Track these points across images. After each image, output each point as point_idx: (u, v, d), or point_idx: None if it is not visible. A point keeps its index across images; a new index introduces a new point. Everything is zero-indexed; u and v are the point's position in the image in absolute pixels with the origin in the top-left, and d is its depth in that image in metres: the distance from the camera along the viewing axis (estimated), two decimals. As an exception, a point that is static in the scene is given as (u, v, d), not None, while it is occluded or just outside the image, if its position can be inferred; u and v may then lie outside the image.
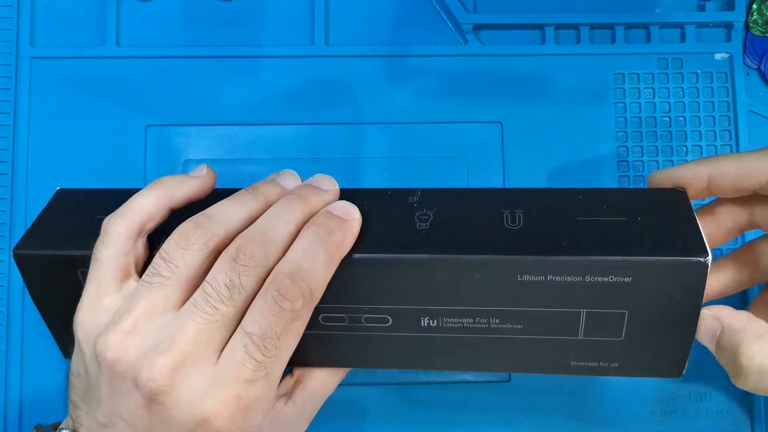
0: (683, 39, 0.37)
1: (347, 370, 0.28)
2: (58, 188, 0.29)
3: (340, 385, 0.33)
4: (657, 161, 0.36)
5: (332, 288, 0.24)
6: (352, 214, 0.25)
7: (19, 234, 0.34)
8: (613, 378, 0.34)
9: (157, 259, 0.23)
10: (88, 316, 0.24)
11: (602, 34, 0.37)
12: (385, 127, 0.36)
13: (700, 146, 0.36)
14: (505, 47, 0.36)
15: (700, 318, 0.25)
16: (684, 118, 0.36)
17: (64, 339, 0.28)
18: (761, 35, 0.36)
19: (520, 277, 0.24)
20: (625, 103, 0.36)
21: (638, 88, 0.36)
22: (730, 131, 0.36)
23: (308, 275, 0.23)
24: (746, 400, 0.34)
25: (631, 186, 0.35)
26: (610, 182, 0.35)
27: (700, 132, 0.36)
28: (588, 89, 0.36)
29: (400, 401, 0.34)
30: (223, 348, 0.23)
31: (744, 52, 0.36)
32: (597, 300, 0.24)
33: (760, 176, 0.25)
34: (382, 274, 0.24)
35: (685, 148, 0.36)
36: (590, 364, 0.26)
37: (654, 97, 0.36)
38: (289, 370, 0.27)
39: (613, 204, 0.25)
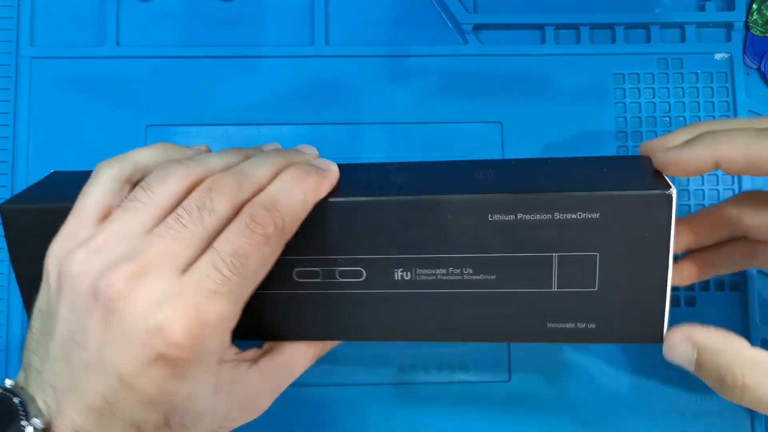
0: (683, 39, 0.37)
1: (318, 352, 0.28)
2: (52, 171, 0.29)
3: (340, 385, 0.34)
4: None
5: (307, 237, 0.24)
6: (330, 166, 0.26)
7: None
8: (613, 377, 0.34)
9: (136, 188, 0.24)
10: (60, 245, 0.23)
11: (602, 34, 0.37)
12: (385, 127, 0.36)
13: (700, 146, 0.36)
14: (505, 47, 0.36)
15: (671, 343, 0.25)
16: (684, 118, 0.36)
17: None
18: (761, 35, 0.36)
19: (491, 217, 0.24)
20: (625, 103, 0.36)
21: (638, 88, 0.36)
22: (730, 131, 0.36)
23: (282, 207, 0.23)
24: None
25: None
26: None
27: (700, 132, 0.36)
28: (588, 89, 0.36)
29: (400, 401, 0.34)
30: (190, 267, 0.23)
31: (744, 52, 0.36)
32: (568, 241, 0.24)
33: None
34: (355, 219, 0.25)
35: (685, 148, 0.36)
36: (566, 325, 0.25)
37: (654, 97, 0.36)
38: (259, 345, 0.27)
39: (580, 163, 0.26)
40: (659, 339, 0.25)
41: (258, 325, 0.26)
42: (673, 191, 0.24)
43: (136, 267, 0.22)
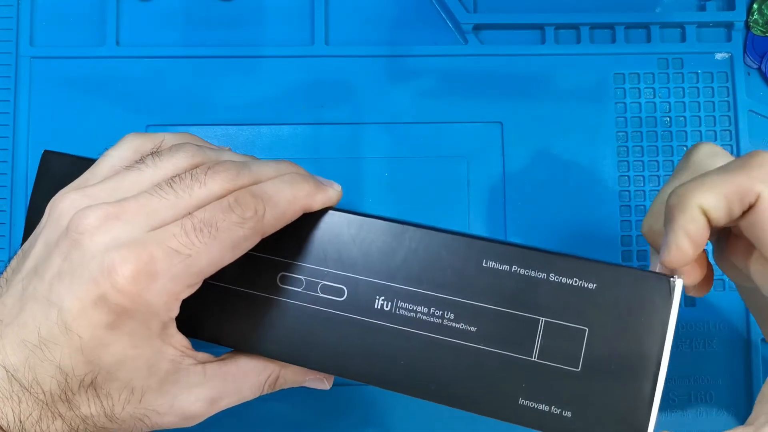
0: (683, 39, 0.37)
1: (271, 381, 0.26)
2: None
3: (339, 385, 0.34)
4: (657, 161, 0.36)
5: (297, 243, 0.25)
6: (332, 184, 0.26)
7: (19, 234, 0.34)
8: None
9: (147, 155, 0.25)
10: (63, 191, 0.24)
11: (602, 33, 0.37)
12: (385, 127, 0.35)
13: (701, 146, 0.36)
14: (505, 47, 0.36)
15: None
16: (684, 118, 0.36)
17: None
18: (762, 35, 0.36)
19: (486, 263, 0.24)
20: (625, 103, 0.36)
21: (638, 88, 0.36)
22: (730, 131, 0.36)
23: (268, 199, 0.24)
24: (747, 400, 0.34)
25: (631, 185, 0.35)
26: (610, 182, 0.35)
27: (700, 132, 0.36)
28: (588, 89, 0.36)
29: (400, 401, 0.34)
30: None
31: (744, 51, 0.36)
32: (558, 308, 0.23)
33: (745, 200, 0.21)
34: (349, 234, 0.25)
35: (685, 148, 0.36)
36: (540, 406, 0.23)
37: (654, 96, 0.36)
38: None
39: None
40: None
41: (225, 325, 0.26)
42: (679, 282, 0.22)
43: (113, 210, 0.22)
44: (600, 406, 0.23)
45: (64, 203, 0.23)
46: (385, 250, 0.25)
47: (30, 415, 0.21)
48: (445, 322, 0.24)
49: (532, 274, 0.23)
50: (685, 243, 0.22)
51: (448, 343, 0.24)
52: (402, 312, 0.24)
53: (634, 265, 0.23)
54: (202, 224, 0.22)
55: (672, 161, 0.36)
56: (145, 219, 0.22)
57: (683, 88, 0.36)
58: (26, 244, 0.24)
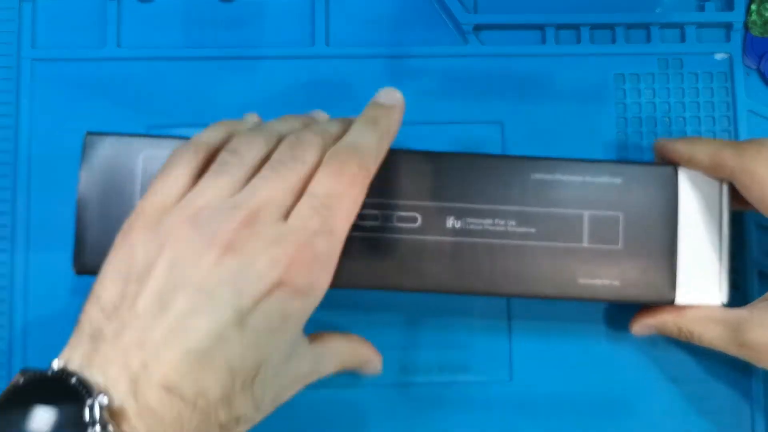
0: (683, 39, 0.37)
1: (344, 359, 0.28)
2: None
3: (339, 385, 0.34)
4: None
5: (372, 183, 0.27)
6: (396, 98, 0.29)
7: (21, 236, 0.34)
8: (613, 377, 0.34)
9: (221, 154, 0.25)
10: (151, 206, 0.24)
11: (603, 34, 0.37)
12: (386, 127, 0.36)
13: (701, 146, 0.36)
14: (506, 47, 0.36)
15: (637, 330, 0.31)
16: (684, 118, 0.36)
17: (89, 246, 0.28)
18: (760, 35, 0.36)
19: (533, 175, 0.29)
20: (625, 104, 0.36)
21: (638, 89, 0.36)
22: (730, 131, 0.36)
23: (363, 149, 0.25)
24: (747, 400, 0.34)
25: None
26: (610, 182, 0.35)
27: (700, 132, 0.36)
28: (588, 89, 0.36)
29: (400, 401, 0.34)
30: (291, 212, 0.24)
31: (743, 52, 0.36)
32: (596, 201, 0.29)
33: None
34: (418, 168, 0.29)
35: (685, 148, 0.36)
36: (595, 281, 0.29)
37: (654, 97, 0.36)
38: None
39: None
40: (671, 300, 0.29)
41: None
42: (682, 169, 0.29)
43: (246, 213, 0.23)
44: (640, 275, 0.29)
45: (183, 226, 0.23)
46: (447, 178, 0.29)
47: None
48: (509, 228, 0.29)
49: (572, 178, 0.29)
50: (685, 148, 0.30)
51: (514, 245, 0.29)
52: (471, 227, 0.29)
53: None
54: (325, 198, 0.24)
55: (672, 161, 0.36)
56: (276, 211, 0.24)
57: (683, 89, 0.36)
58: (124, 267, 0.23)
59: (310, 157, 0.25)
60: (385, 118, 0.27)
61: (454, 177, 0.29)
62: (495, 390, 0.34)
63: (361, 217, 0.28)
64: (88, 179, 0.28)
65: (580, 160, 0.29)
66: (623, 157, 0.36)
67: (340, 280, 0.27)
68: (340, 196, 0.24)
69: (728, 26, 0.37)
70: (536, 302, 0.34)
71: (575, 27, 0.36)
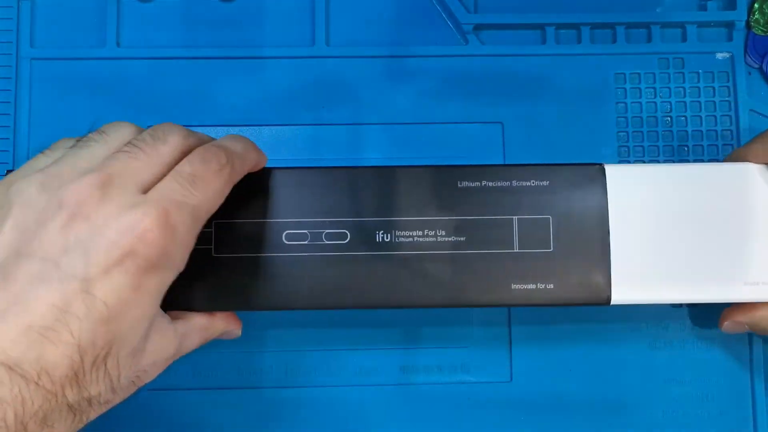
0: (684, 38, 0.37)
1: (209, 333, 0.28)
2: None
3: (340, 385, 0.34)
4: (658, 161, 0.36)
5: (296, 203, 0.28)
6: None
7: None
8: (614, 377, 0.34)
9: (89, 134, 0.25)
10: (19, 177, 0.24)
11: (603, 33, 0.37)
12: (386, 127, 0.36)
13: (702, 146, 0.36)
14: (506, 47, 0.36)
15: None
16: (685, 117, 0.36)
17: None
18: (763, 34, 0.36)
19: (460, 184, 0.29)
20: (626, 103, 0.36)
21: (639, 88, 0.36)
22: (731, 131, 0.36)
23: (231, 148, 0.26)
24: (748, 401, 0.34)
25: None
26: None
27: (701, 132, 0.36)
28: (589, 89, 0.36)
29: (400, 401, 0.34)
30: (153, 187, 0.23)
31: (745, 51, 0.36)
32: (525, 205, 0.29)
33: None
34: (339, 185, 0.29)
35: (686, 148, 0.36)
36: (528, 286, 0.28)
37: (655, 96, 0.36)
38: None
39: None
40: (607, 301, 0.28)
41: (235, 291, 0.28)
42: (609, 166, 0.29)
43: (101, 178, 0.22)
44: (574, 276, 0.28)
45: (31, 185, 0.22)
46: (374, 192, 0.29)
47: (35, 413, 0.20)
48: (439, 238, 0.28)
49: (499, 183, 0.29)
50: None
51: (445, 255, 0.28)
52: (401, 240, 0.28)
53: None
54: (191, 177, 0.24)
55: (673, 161, 0.36)
56: (133, 180, 0.23)
57: (684, 88, 0.36)
58: None
59: (176, 141, 0.25)
60: (249, 141, 0.28)
61: (379, 191, 0.29)
62: (495, 390, 0.34)
63: (290, 236, 0.28)
64: None
65: (505, 166, 0.29)
66: (624, 159, 0.35)
67: (269, 302, 0.28)
68: (204, 179, 0.24)
69: (730, 25, 0.36)
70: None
71: (575, 27, 0.36)
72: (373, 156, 0.35)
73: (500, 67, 0.36)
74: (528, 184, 0.29)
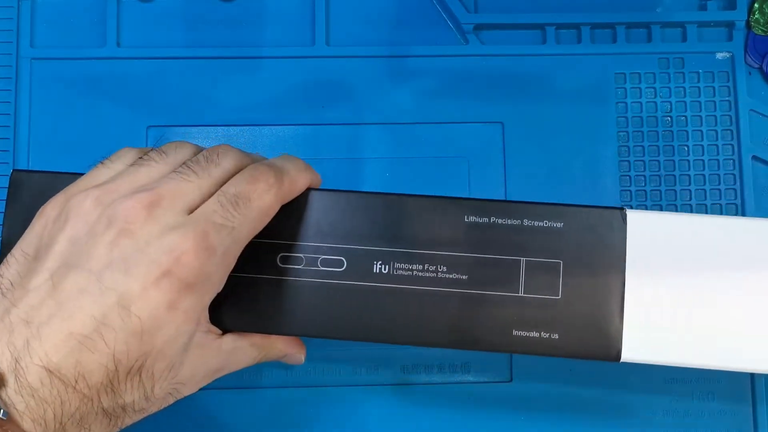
0: (684, 38, 0.37)
1: (260, 355, 0.28)
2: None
3: (340, 385, 0.34)
4: (658, 161, 0.36)
5: (293, 224, 0.27)
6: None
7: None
8: (615, 377, 0.34)
9: (151, 152, 0.25)
10: (67, 190, 0.25)
11: (603, 33, 0.37)
12: (386, 127, 0.36)
13: (702, 146, 0.36)
14: (506, 47, 0.36)
15: None
16: (685, 117, 0.36)
17: None
18: (763, 34, 0.36)
19: (467, 218, 0.27)
20: (626, 103, 0.36)
21: (639, 88, 0.36)
22: (731, 131, 0.36)
23: (282, 168, 0.26)
24: (750, 400, 0.34)
25: (633, 185, 0.35)
26: (611, 182, 0.35)
27: (701, 131, 0.36)
28: (589, 89, 0.36)
29: (400, 401, 0.34)
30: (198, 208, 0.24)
31: (745, 51, 0.36)
32: (535, 247, 0.27)
33: None
34: (340, 209, 0.27)
35: (686, 148, 0.36)
36: (531, 334, 0.26)
37: (655, 96, 0.36)
38: None
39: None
40: (616, 357, 0.26)
41: (227, 310, 0.27)
42: (631, 211, 0.26)
43: (151, 197, 0.23)
44: (581, 327, 0.26)
45: (87, 200, 0.23)
46: (375, 219, 0.27)
47: (72, 414, 0.21)
48: (439, 274, 0.27)
49: (508, 222, 0.27)
50: None
51: (444, 292, 0.27)
52: (399, 272, 0.27)
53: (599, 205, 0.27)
54: (235, 198, 0.24)
55: (673, 161, 0.36)
56: (181, 201, 0.23)
57: (684, 88, 0.36)
58: (27, 246, 0.24)
59: (227, 163, 0.25)
60: (303, 163, 0.27)
61: (382, 219, 0.27)
62: (495, 390, 0.34)
63: (284, 259, 0.27)
64: (12, 217, 0.28)
65: (518, 203, 0.27)
66: (624, 159, 0.35)
67: (256, 326, 0.27)
68: (250, 199, 0.24)
69: (730, 25, 0.36)
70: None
71: (576, 27, 0.36)
72: (373, 156, 0.35)
73: (500, 67, 0.36)
74: (540, 224, 0.27)
